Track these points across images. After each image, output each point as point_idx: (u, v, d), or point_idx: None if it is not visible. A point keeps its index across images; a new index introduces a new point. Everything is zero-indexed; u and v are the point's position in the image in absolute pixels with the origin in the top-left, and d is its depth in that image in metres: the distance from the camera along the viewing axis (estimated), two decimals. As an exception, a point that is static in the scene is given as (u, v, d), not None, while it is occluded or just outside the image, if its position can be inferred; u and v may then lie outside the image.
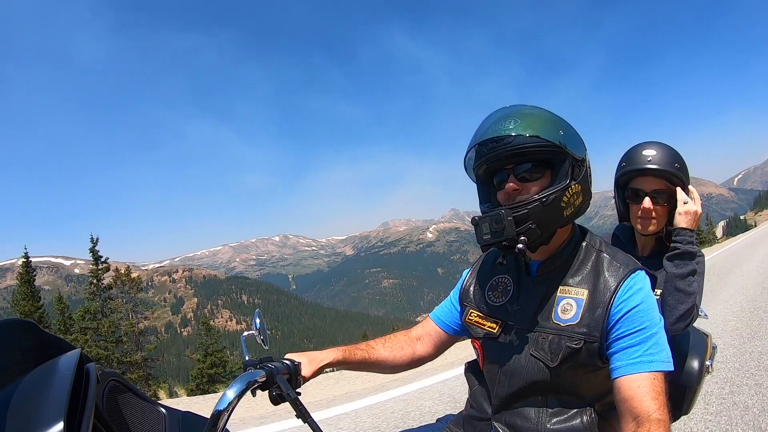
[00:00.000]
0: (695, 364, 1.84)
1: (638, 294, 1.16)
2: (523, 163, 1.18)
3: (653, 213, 1.78)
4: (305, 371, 1.21)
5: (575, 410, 1.19)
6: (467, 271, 1.48)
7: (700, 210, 1.73)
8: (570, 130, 1.20)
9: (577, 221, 1.30)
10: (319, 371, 1.26)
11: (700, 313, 1.78)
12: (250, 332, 1.25)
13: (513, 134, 1.14)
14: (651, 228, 1.81)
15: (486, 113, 1.25)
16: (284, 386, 1.05)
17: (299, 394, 1.07)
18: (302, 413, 1.01)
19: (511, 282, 1.31)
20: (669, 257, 1.73)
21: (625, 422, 1.08)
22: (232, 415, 0.98)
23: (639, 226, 1.83)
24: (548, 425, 1.19)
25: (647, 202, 1.77)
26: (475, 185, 1.32)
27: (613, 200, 1.98)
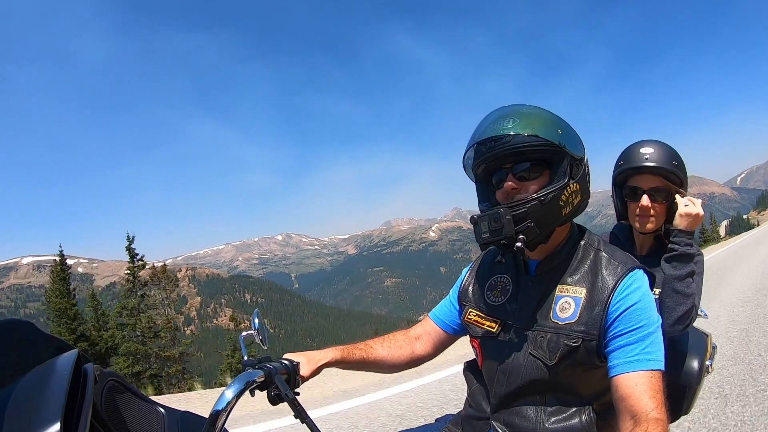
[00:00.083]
0: (695, 364, 1.83)
1: (636, 292, 1.16)
2: (521, 162, 1.18)
3: (651, 211, 1.78)
4: (304, 371, 1.21)
5: (574, 409, 1.19)
6: (466, 270, 1.48)
7: (701, 212, 1.73)
8: (568, 130, 1.20)
9: (580, 220, 1.30)
10: (318, 371, 1.26)
11: (699, 312, 1.77)
12: (249, 332, 1.26)
13: (511, 133, 1.15)
14: (649, 226, 1.80)
15: (487, 112, 1.25)
16: (282, 386, 1.05)
17: (298, 394, 1.07)
18: (300, 413, 1.01)
19: (509, 281, 1.32)
20: (666, 258, 1.73)
21: (623, 421, 1.08)
22: (230, 415, 0.98)
23: (637, 224, 1.83)
24: (547, 424, 1.19)
25: (645, 200, 1.77)
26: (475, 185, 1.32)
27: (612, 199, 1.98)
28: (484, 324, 1.31)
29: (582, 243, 1.28)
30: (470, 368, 1.43)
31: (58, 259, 19.71)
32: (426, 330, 1.50)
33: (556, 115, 1.22)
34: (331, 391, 5.19)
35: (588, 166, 1.26)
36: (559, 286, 1.23)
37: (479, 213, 1.21)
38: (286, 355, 1.23)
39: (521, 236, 1.13)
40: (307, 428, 1.02)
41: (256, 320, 1.26)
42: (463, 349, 1.58)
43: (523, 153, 1.17)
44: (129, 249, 18.88)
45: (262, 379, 1.06)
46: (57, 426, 0.65)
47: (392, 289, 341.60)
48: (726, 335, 6.11)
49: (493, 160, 1.20)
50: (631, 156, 1.82)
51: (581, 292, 1.20)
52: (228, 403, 0.97)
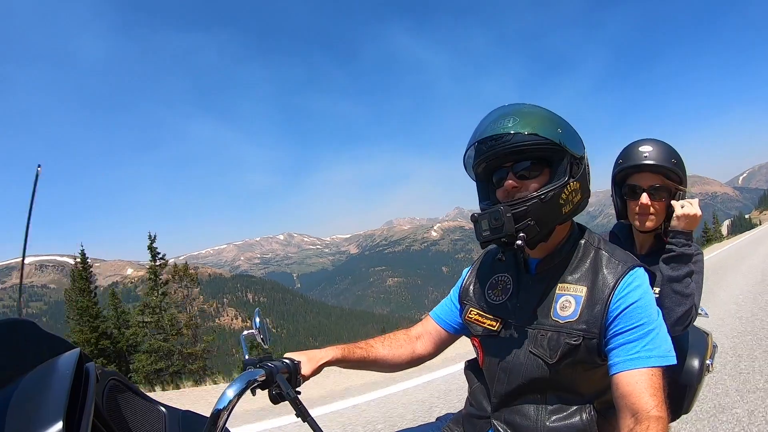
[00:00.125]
0: (695, 363, 1.83)
1: (636, 290, 1.16)
2: (522, 161, 1.19)
3: (651, 209, 1.78)
4: (305, 370, 1.22)
5: (574, 408, 1.19)
6: (467, 269, 1.49)
7: (699, 212, 1.72)
8: (568, 129, 1.21)
9: (581, 219, 1.31)
10: (319, 370, 1.26)
11: (700, 311, 1.77)
12: (250, 331, 1.26)
13: (512, 132, 1.15)
14: (649, 224, 1.80)
15: (487, 112, 1.26)
16: (284, 385, 1.05)
17: (299, 393, 1.07)
18: (302, 412, 1.02)
19: (510, 280, 1.32)
20: (665, 260, 1.72)
21: (623, 418, 1.08)
22: (232, 414, 0.98)
23: (637, 223, 1.83)
24: (547, 423, 1.19)
25: (645, 198, 1.77)
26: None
27: (611, 197, 1.98)
28: (485, 323, 1.32)
29: (582, 242, 1.28)
30: (471, 367, 1.43)
31: (79, 258, 19.90)
32: (427, 329, 1.50)
33: (556, 114, 1.22)
34: (332, 390, 5.20)
35: (588, 165, 1.26)
36: (559, 285, 1.23)
37: (480, 211, 1.22)
38: (287, 354, 1.23)
39: (521, 234, 1.14)
40: (309, 427, 1.02)
41: (257, 319, 1.26)
42: (464, 347, 1.58)
43: (524, 151, 1.17)
44: (151, 248, 19.14)
45: (264, 378, 1.06)
46: (59, 425, 0.66)
47: (394, 289, 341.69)
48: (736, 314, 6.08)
49: (493, 159, 1.21)
50: (630, 154, 1.82)
51: (582, 291, 1.20)
52: (229, 402, 0.97)
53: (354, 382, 5.45)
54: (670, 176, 1.78)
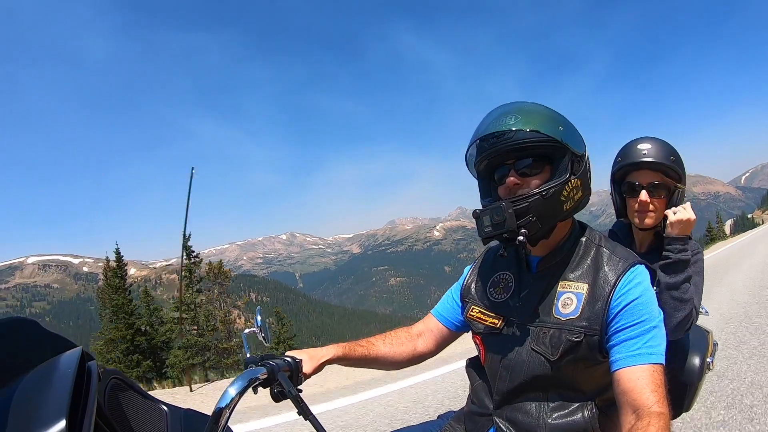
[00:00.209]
0: (696, 361, 1.83)
1: (637, 287, 1.17)
2: (523, 158, 1.19)
3: (650, 206, 1.78)
4: (306, 368, 1.22)
5: (576, 405, 1.20)
6: (468, 267, 1.49)
7: (692, 216, 1.73)
8: (569, 126, 1.22)
9: (585, 219, 1.31)
10: (320, 368, 1.27)
11: (701, 310, 1.77)
12: (251, 329, 1.26)
13: (513, 129, 1.16)
14: (648, 221, 1.80)
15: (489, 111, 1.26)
16: (285, 383, 1.06)
17: (300, 391, 1.08)
18: (304, 410, 1.02)
19: (512, 278, 1.33)
20: (662, 267, 1.72)
21: (624, 415, 1.08)
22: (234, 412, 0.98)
23: (636, 220, 1.83)
24: (549, 420, 1.19)
25: (644, 195, 1.77)
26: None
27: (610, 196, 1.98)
28: (486, 320, 1.32)
29: (583, 239, 1.28)
30: (472, 365, 1.43)
31: (114, 256, 20.16)
32: (428, 327, 1.50)
33: (557, 112, 1.23)
34: (334, 388, 5.20)
35: (589, 163, 1.27)
36: (560, 282, 1.24)
37: (481, 208, 1.22)
38: (289, 353, 1.24)
39: (523, 230, 1.14)
40: (311, 425, 1.02)
41: (259, 317, 1.27)
42: (465, 345, 1.58)
43: (525, 149, 1.18)
44: (185, 246, 19.60)
45: (265, 376, 1.07)
46: (62, 424, 0.65)
47: (396, 288, 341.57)
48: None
49: (495, 156, 1.21)
50: (628, 152, 1.83)
51: (583, 288, 1.20)
52: (231, 400, 0.97)
53: (355, 380, 5.45)
54: (669, 173, 1.79)
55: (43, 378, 0.74)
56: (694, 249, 1.77)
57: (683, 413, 1.87)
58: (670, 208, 1.78)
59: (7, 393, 0.71)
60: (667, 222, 1.75)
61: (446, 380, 5.13)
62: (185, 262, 19.57)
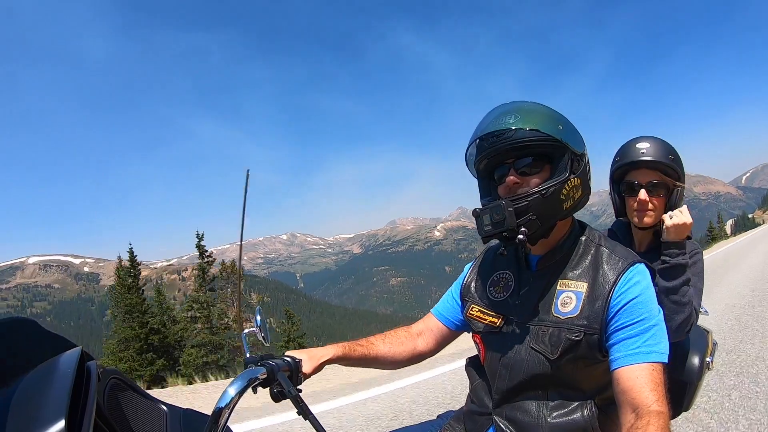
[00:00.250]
0: (696, 360, 1.83)
1: (637, 286, 1.17)
2: (523, 157, 1.20)
3: (649, 205, 1.78)
4: (306, 368, 1.22)
5: (576, 404, 1.20)
6: (468, 266, 1.49)
7: (689, 220, 1.72)
8: (569, 125, 1.22)
9: (585, 219, 1.31)
10: (320, 368, 1.27)
11: (701, 310, 1.77)
12: (251, 329, 1.26)
13: (513, 128, 1.16)
14: (647, 220, 1.81)
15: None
16: (285, 383, 1.06)
17: (300, 391, 1.07)
18: (303, 410, 1.02)
19: (512, 277, 1.32)
20: (660, 272, 1.72)
21: (624, 414, 1.08)
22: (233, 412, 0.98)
23: (635, 219, 1.83)
24: (549, 419, 1.19)
25: (643, 194, 1.77)
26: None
27: (609, 196, 1.98)
28: (486, 319, 1.32)
29: (583, 238, 1.28)
30: (472, 364, 1.43)
31: (128, 256, 20.28)
32: (428, 326, 1.51)
33: (557, 111, 1.23)
34: (334, 387, 5.20)
35: (588, 163, 1.27)
36: (560, 281, 1.24)
37: (481, 207, 1.22)
38: (288, 353, 1.23)
39: (523, 229, 1.14)
40: (311, 425, 1.02)
41: (258, 317, 1.26)
42: (465, 344, 1.58)
43: (525, 148, 1.18)
44: (199, 246, 19.80)
45: (265, 376, 1.07)
46: (61, 424, 0.66)
47: (397, 289, 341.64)
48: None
49: (495, 155, 1.21)
50: (627, 152, 1.83)
51: (582, 287, 1.20)
52: (231, 400, 0.97)
53: (355, 379, 5.45)
54: (668, 172, 1.79)
55: (43, 378, 0.75)
56: (692, 249, 1.77)
57: (683, 413, 1.87)
58: (667, 211, 1.78)
59: (7, 393, 0.71)
60: (663, 227, 1.74)
61: (446, 379, 5.12)
62: (198, 261, 19.78)
